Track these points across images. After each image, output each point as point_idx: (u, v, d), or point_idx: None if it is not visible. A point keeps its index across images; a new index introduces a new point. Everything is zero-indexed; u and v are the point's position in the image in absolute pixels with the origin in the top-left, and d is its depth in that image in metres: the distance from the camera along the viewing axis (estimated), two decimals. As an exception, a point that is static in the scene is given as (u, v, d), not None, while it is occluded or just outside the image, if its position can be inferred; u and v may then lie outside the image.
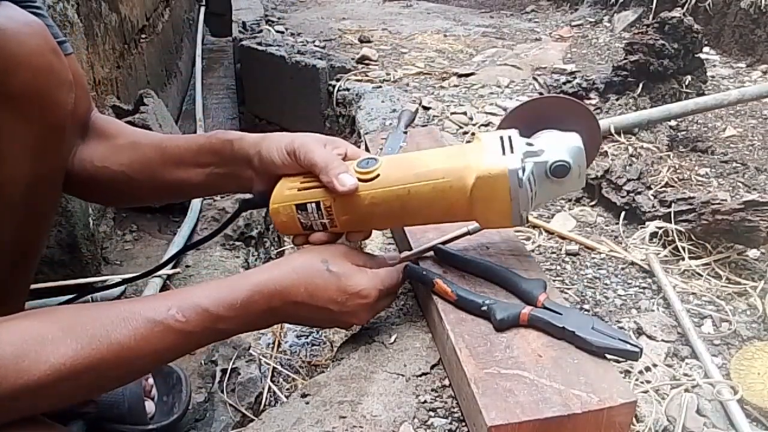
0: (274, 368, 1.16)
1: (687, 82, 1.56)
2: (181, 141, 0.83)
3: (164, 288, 1.19)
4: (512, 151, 0.71)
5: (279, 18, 3.15)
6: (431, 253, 0.86)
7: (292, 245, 1.68)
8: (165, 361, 0.64)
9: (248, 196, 0.83)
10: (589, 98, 1.50)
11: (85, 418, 0.83)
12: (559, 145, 0.73)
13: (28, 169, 0.68)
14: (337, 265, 0.71)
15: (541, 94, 1.59)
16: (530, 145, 0.73)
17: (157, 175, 0.80)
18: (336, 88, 2.07)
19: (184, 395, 0.93)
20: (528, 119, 0.83)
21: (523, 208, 0.72)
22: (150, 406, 0.91)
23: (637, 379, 0.82)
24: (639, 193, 1.21)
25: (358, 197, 0.73)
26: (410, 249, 0.88)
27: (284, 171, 0.76)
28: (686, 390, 0.80)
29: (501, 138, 0.73)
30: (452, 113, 1.75)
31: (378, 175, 0.74)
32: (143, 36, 2.21)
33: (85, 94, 0.79)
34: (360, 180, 0.73)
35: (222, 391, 1.01)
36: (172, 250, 1.30)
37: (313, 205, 0.75)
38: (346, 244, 0.78)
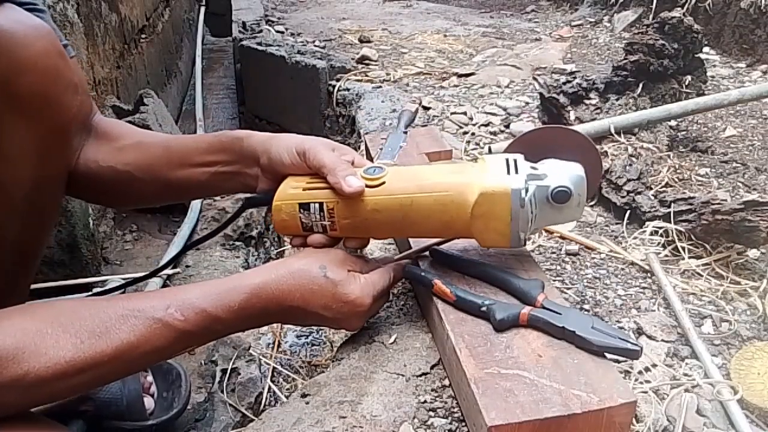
0: (274, 368, 1.16)
1: (687, 82, 1.56)
2: (189, 140, 0.84)
3: (164, 287, 1.19)
4: (517, 172, 0.73)
5: (279, 18, 3.15)
6: (428, 253, 0.86)
7: (292, 246, 1.68)
8: (162, 358, 0.65)
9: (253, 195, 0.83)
10: (589, 98, 1.50)
11: (85, 416, 0.83)
12: (562, 171, 0.75)
13: (33, 170, 0.68)
14: (334, 272, 0.72)
15: (541, 95, 1.59)
16: (534, 168, 0.74)
17: (162, 174, 0.80)
18: (336, 88, 2.07)
19: (183, 391, 0.93)
20: (533, 147, 0.84)
21: (521, 229, 0.73)
22: (149, 403, 0.91)
23: (637, 379, 0.82)
24: (639, 193, 1.21)
25: (362, 202, 0.74)
26: (409, 250, 0.88)
27: (291, 171, 0.77)
28: (686, 390, 0.80)
29: (507, 160, 0.75)
30: (452, 113, 1.75)
31: (383, 183, 0.75)
32: (143, 36, 2.21)
33: (87, 97, 0.79)
34: (366, 186, 0.74)
35: (222, 391, 1.01)
36: (172, 250, 1.30)
37: (317, 205, 0.76)
38: (343, 249, 0.79)
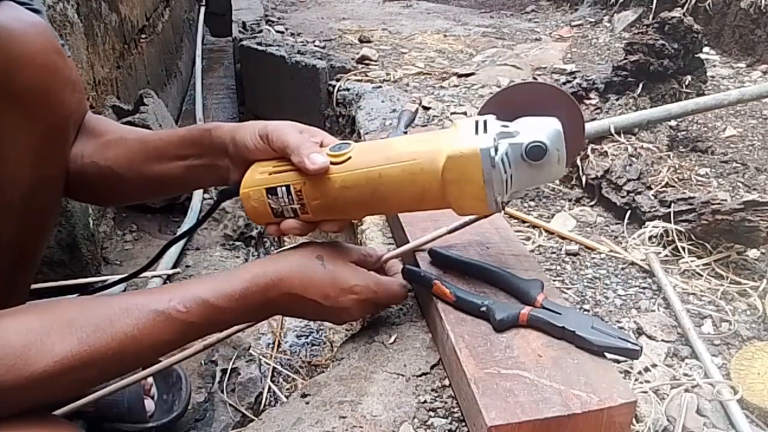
0: (274, 368, 1.16)
1: (687, 82, 1.56)
2: (163, 134, 0.83)
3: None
4: (486, 132, 0.69)
5: (279, 18, 3.15)
6: (427, 254, 0.86)
7: (292, 245, 1.68)
8: (167, 350, 0.66)
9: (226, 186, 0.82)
10: (589, 98, 1.50)
11: (85, 417, 0.83)
12: (535, 127, 0.70)
13: (31, 169, 0.68)
14: (332, 262, 0.73)
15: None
16: (506, 126, 0.70)
17: (140, 170, 0.80)
18: (336, 88, 2.07)
19: (183, 393, 0.93)
20: (508, 107, 0.80)
21: (498, 192, 0.68)
22: (150, 405, 0.91)
23: (637, 379, 0.82)
24: (639, 193, 1.21)
25: (329, 180, 0.72)
26: (412, 253, 0.88)
27: (258, 156, 0.75)
28: (686, 390, 0.80)
29: (476, 122, 0.71)
30: (452, 113, 1.75)
31: (349, 158, 0.72)
32: (143, 36, 2.21)
33: (82, 97, 0.79)
34: (332, 164, 0.71)
35: (222, 391, 1.01)
36: (172, 250, 1.30)
37: (284, 188, 0.73)
38: (339, 241, 0.79)
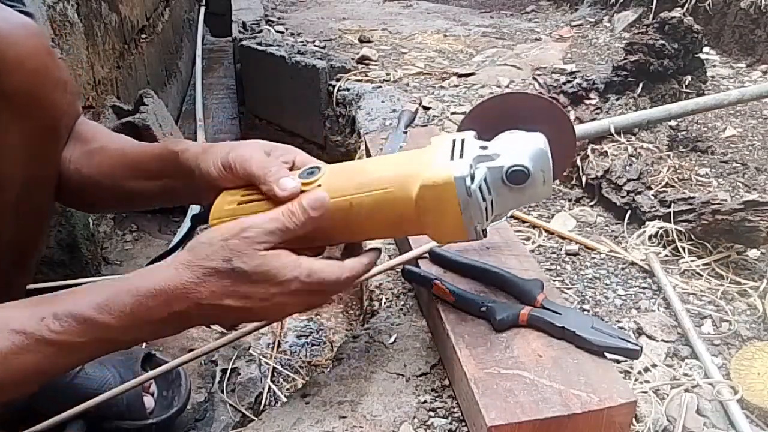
0: (274, 368, 1.16)
1: (687, 82, 1.56)
2: (140, 150, 0.78)
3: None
4: (462, 156, 0.63)
5: (279, 18, 3.15)
6: (427, 254, 0.86)
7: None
8: (47, 376, 0.57)
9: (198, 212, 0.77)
10: (589, 98, 1.50)
11: (85, 416, 0.83)
12: (517, 147, 0.64)
13: (24, 170, 0.68)
14: (244, 256, 0.60)
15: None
16: (484, 148, 0.64)
17: (120, 183, 0.76)
18: (336, 88, 2.07)
19: (183, 390, 0.93)
20: (491, 119, 0.75)
21: (477, 221, 0.63)
22: (149, 402, 0.91)
23: (637, 379, 0.82)
24: (639, 193, 1.21)
25: None
26: (410, 249, 0.88)
27: (225, 184, 0.69)
28: (686, 390, 0.80)
29: (453, 141, 0.65)
30: (452, 113, 1.75)
31: (318, 186, 0.66)
32: (143, 36, 2.21)
33: (74, 98, 0.78)
34: (301, 192, 0.65)
35: (222, 391, 1.01)
36: (172, 250, 1.30)
37: None
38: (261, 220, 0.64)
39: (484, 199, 0.63)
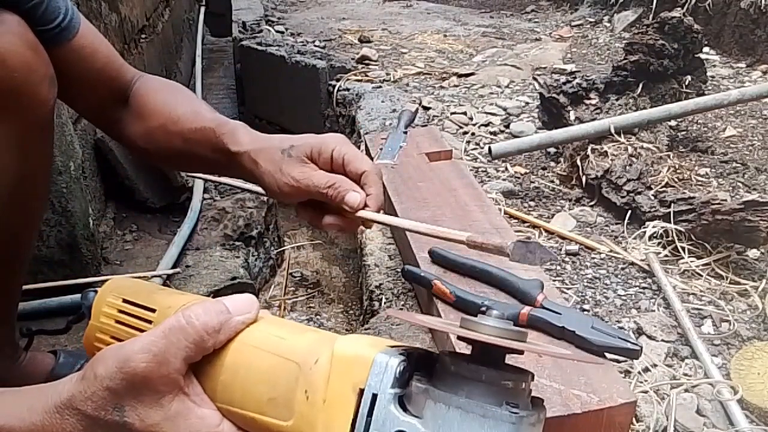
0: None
1: (687, 82, 1.56)
2: (198, 137, 0.75)
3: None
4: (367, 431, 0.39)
5: (279, 18, 3.15)
6: (427, 254, 0.85)
7: (292, 245, 1.68)
8: None
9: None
10: (589, 98, 1.50)
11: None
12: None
13: (13, 168, 0.67)
14: (141, 413, 0.43)
15: (541, 95, 1.58)
16: (406, 414, 0.38)
17: (184, 167, 0.86)
18: (336, 88, 2.07)
19: None
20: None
21: None
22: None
23: (637, 379, 0.82)
24: (639, 193, 1.21)
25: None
26: (412, 254, 0.87)
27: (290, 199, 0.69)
28: (686, 390, 0.80)
29: (359, 399, 0.39)
30: (452, 113, 1.75)
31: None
32: (143, 36, 2.21)
33: (117, 66, 0.77)
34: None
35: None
36: (172, 249, 1.30)
37: None
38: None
39: None
